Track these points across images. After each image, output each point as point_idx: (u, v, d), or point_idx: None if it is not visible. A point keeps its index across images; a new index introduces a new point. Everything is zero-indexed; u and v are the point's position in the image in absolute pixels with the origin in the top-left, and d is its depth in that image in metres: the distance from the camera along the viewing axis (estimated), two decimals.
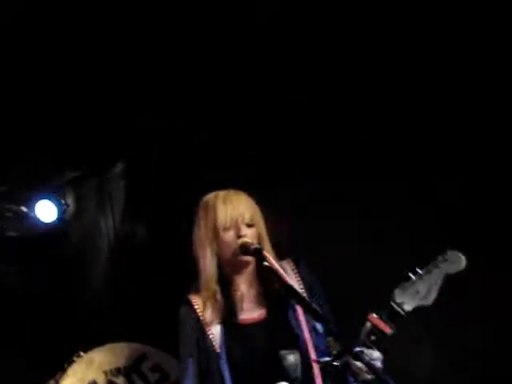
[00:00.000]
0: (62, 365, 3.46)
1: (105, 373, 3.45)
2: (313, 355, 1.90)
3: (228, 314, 2.36)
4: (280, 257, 2.44)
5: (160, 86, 4.01)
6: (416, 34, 3.22)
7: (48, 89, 3.97)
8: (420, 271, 2.13)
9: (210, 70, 3.79)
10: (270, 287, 2.36)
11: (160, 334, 3.47)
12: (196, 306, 2.40)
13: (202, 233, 2.42)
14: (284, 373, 2.22)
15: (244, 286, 2.42)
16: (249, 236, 2.32)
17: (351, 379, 1.72)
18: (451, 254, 2.12)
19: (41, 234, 5.50)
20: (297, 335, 2.23)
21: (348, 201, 3.43)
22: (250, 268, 2.38)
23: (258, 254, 2.20)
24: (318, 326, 1.79)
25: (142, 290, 4.66)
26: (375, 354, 2.02)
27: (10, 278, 5.69)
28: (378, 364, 2.02)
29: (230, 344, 2.33)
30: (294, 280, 2.37)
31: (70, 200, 5.56)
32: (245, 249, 2.27)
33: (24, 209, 5.38)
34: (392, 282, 2.14)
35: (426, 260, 2.14)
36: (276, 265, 2.14)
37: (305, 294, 2.26)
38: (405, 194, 3.25)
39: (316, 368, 1.90)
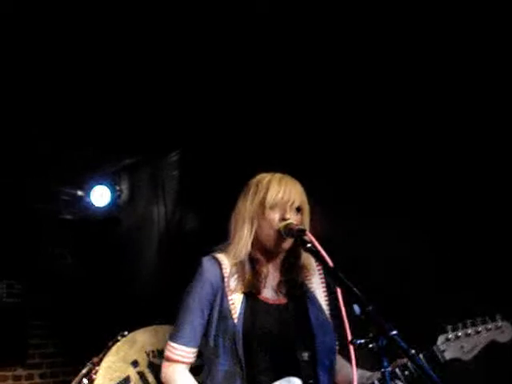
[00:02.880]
0: (106, 343, 3.52)
1: (147, 353, 3.48)
2: (349, 337, 1.87)
3: (251, 288, 2.31)
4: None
5: (215, 79, 4.04)
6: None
7: (108, 75, 4.05)
8: (469, 330, 2.17)
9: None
10: (295, 278, 2.35)
11: None
12: (224, 267, 2.33)
13: (247, 206, 2.34)
14: (298, 367, 2.23)
15: (271, 269, 2.38)
16: (293, 220, 2.27)
17: (386, 363, 1.68)
18: (504, 325, 2.18)
19: (95, 218, 5.65)
20: (313, 334, 2.26)
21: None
22: (281, 254, 2.35)
23: (302, 234, 2.16)
24: (356, 309, 1.75)
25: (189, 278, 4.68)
26: None
27: (63, 260, 5.85)
28: None
29: (248, 316, 2.27)
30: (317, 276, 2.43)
31: (124, 187, 5.69)
32: (289, 230, 2.21)
33: (80, 193, 5.53)
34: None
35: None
36: (318, 245, 2.11)
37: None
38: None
39: (351, 350, 1.87)
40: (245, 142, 4.31)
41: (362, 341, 1.75)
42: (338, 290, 2.00)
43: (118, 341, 3.49)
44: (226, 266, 2.32)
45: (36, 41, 3.61)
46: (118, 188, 5.66)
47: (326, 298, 2.39)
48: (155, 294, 4.99)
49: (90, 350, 3.65)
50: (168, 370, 2.33)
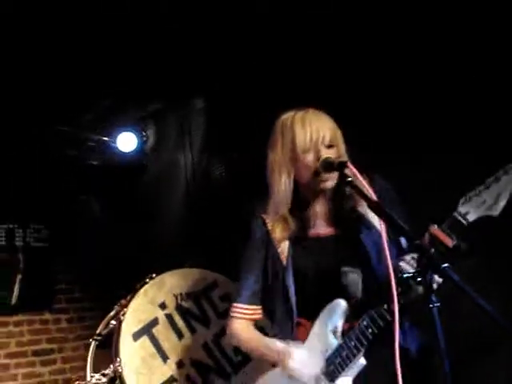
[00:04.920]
0: (134, 286, 3.52)
1: (175, 296, 3.47)
2: (392, 272, 1.80)
3: (298, 231, 2.28)
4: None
5: (236, 23, 3.94)
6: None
7: (131, 22, 3.96)
8: (488, 180, 1.91)
9: None
10: (344, 207, 2.25)
11: (232, 266, 3.47)
12: (268, 222, 2.35)
13: (278, 156, 2.27)
14: (344, 289, 2.17)
15: (321, 203, 2.31)
16: (330, 155, 2.16)
17: (435, 298, 1.61)
18: None
19: (121, 164, 5.63)
20: (368, 257, 2.15)
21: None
22: (327, 186, 2.22)
23: (343, 167, 2.07)
24: (403, 242, 1.68)
25: (218, 224, 4.66)
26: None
27: (90, 205, 5.87)
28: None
29: (297, 256, 2.28)
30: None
31: (150, 133, 5.64)
32: (328, 164, 2.12)
33: (106, 139, 5.50)
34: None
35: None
36: (361, 179, 2.02)
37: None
38: None
39: (394, 286, 1.80)
40: (270, 86, 4.20)
41: (410, 274, 1.68)
42: (382, 225, 1.93)
43: (147, 283, 3.48)
44: (269, 222, 2.34)
45: None
46: (143, 134, 5.60)
47: None
48: (182, 241, 4.99)
49: (116, 296, 3.67)
50: (231, 326, 2.42)
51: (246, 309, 2.39)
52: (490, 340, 2.77)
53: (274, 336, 2.35)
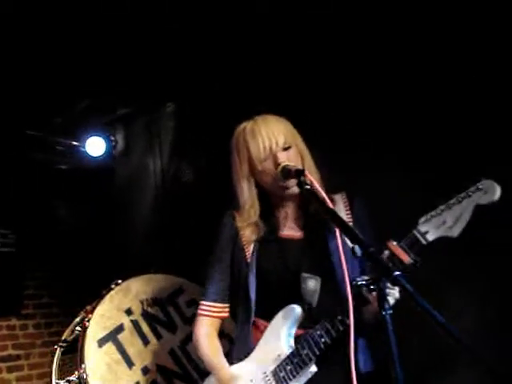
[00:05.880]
0: (100, 292, 3.50)
1: (141, 302, 3.46)
2: (347, 278, 1.83)
3: (267, 232, 2.34)
4: (332, 191, 2.34)
5: (209, 27, 3.94)
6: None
7: (102, 25, 3.94)
8: (451, 201, 1.95)
9: None
10: (312, 210, 2.29)
11: (199, 272, 3.47)
12: (238, 219, 2.39)
13: (238, 167, 2.34)
14: (301, 295, 2.21)
15: (290, 207, 2.36)
16: (288, 159, 2.21)
17: (387, 305, 1.63)
18: (485, 183, 1.89)
19: (89, 168, 5.60)
20: (331, 262, 2.17)
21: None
22: (293, 192, 2.25)
23: (300, 174, 2.09)
24: (357, 250, 1.70)
25: (187, 228, 4.65)
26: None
27: (57, 209, 5.82)
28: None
29: (261, 256, 2.32)
30: (342, 212, 2.28)
31: (119, 137, 5.62)
32: (286, 172, 2.16)
33: (75, 143, 5.46)
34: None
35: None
36: (317, 185, 2.05)
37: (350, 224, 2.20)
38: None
39: (349, 291, 1.83)
40: (241, 91, 4.21)
41: (363, 281, 1.70)
42: (337, 231, 1.96)
43: (112, 289, 3.46)
44: (240, 222, 2.38)
45: None
46: (112, 138, 5.57)
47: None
48: (150, 245, 4.97)
49: (85, 301, 3.64)
50: (197, 325, 2.46)
51: (213, 306, 2.43)
52: (446, 354, 2.80)
53: (237, 338, 2.40)
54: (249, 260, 2.32)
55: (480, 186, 1.91)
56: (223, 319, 2.49)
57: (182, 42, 4.17)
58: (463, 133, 2.94)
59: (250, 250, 2.34)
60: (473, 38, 2.93)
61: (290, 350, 2.14)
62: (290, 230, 2.36)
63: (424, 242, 1.96)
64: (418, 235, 1.97)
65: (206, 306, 2.45)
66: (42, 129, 5.29)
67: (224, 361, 2.35)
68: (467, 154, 2.89)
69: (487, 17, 2.89)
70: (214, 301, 2.43)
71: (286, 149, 2.25)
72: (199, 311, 2.47)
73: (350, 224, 2.23)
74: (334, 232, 2.05)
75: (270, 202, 2.38)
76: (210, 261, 2.47)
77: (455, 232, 1.94)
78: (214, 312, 2.43)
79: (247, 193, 2.33)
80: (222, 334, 2.62)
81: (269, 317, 2.25)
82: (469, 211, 1.92)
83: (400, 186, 3.06)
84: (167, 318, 3.52)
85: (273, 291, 2.28)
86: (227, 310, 2.47)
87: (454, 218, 1.94)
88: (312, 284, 2.19)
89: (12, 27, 3.86)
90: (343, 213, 2.30)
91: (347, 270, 1.89)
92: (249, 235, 2.35)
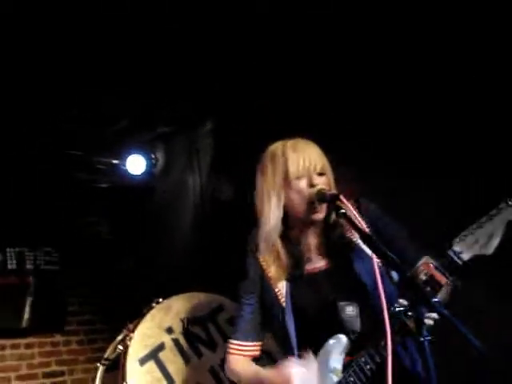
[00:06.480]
0: (141, 310, 3.53)
1: (181, 320, 3.47)
2: (384, 304, 1.80)
3: (293, 268, 2.29)
4: None
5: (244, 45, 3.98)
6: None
7: (140, 48, 4.01)
8: (482, 219, 1.94)
9: None
10: (334, 237, 2.26)
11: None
12: (261, 260, 2.34)
13: (268, 182, 2.25)
14: (342, 324, 2.17)
15: (311, 236, 2.31)
16: (321, 184, 2.19)
17: (425, 331, 1.61)
18: None
19: (130, 186, 5.67)
20: (363, 285, 2.15)
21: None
22: (319, 217, 2.23)
23: (335, 200, 2.10)
24: (394, 275, 1.69)
25: (226, 246, 4.67)
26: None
27: (99, 227, 5.91)
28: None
29: (295, 295, 2.28)
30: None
31: (159, 155, 5.69)
32: (322, 195, 2.14)
33: (115, 161, 5.55)
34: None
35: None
36: (353, 211, 2.04)
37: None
38: None
39: (386, 317, 1.80)
40: (279, 108, 4.23)
41: (401, 308, 1.69)
42: (374, 258, 1.94)
43: (153, 308, 3.49)
44: (264, 262, 2.34)
45: None
46: (153, 156, 5.64)
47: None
48: (190, 263, 5.01)
49: (127, 317, 3.68)
50: (229, 363, 2.42)
51: (242, 345, 2.39)
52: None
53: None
54: (283, 303, 2.27)
55: (510, 203, 1.90)
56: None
57: (222, 61, 4.22)
58: (481, 141, 2.91)
59: (280, 290, 2.29)
60: (478, 40, 2.92)
61: (338, 380, 2.12)
62: (316, 263, 2.32)
63: (460, 262, 1.95)
64: (454, 256, 1.96)
65: (235, 344, 2.41)
66: (84, 148, 5.38)
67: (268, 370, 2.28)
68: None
69: (487, 17, 2.88)
70: (244, 340, 2.39)
71: (320, 174, 2.24)
72: (228, 349, 2.43)
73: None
74: (362, 255, 2.06)
75: (289, 231, 2.31)
76: (238, 301, 2.44)
77: (489, 250, 1.93)
78: (243, 351, 2.40)
79: (273, 208, 2.24)
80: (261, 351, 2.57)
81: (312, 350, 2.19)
82: (501, 228, 1.91)
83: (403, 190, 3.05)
84: (207, 336, 3.52)
85: (312, 328, 2.24)
86: (257, 348, 2.42)
87: (487, 236, 1.93)
88: (350, 310, 2.16)
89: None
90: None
91: (387, 292, 1.85)
92: (276, 273, 2.31)
